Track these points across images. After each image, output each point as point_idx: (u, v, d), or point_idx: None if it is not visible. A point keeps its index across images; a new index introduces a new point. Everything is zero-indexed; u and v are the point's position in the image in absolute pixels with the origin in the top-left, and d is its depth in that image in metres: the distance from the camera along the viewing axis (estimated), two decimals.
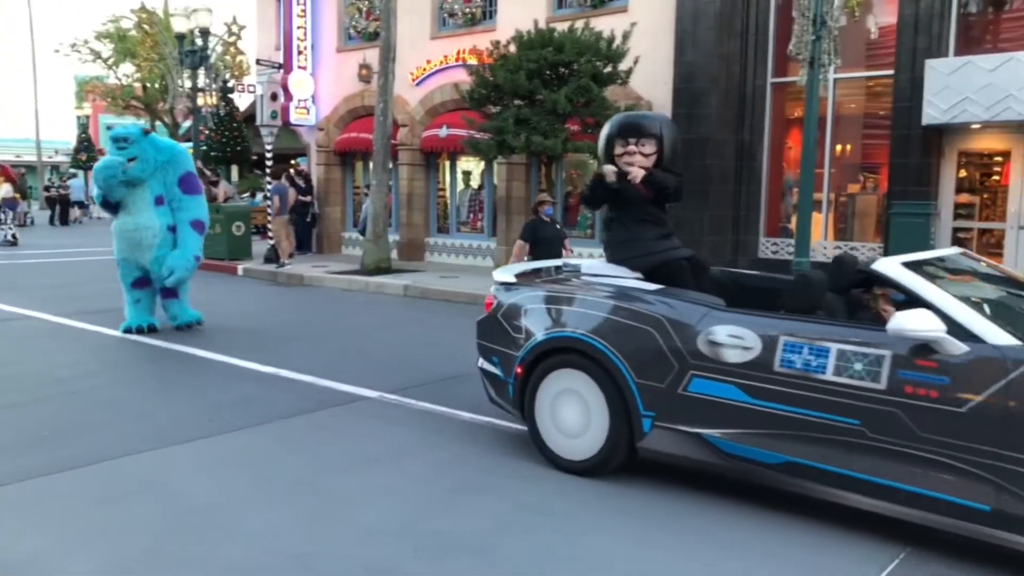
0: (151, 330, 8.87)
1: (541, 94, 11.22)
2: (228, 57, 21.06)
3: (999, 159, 11.36)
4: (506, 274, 5.38)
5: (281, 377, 7.04)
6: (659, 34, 12.89)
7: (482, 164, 15.81)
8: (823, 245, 12.33)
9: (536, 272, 5.68)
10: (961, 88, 10.41)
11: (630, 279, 4.92)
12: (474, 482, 4.61)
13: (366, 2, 17.57)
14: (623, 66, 11.58)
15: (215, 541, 3.83)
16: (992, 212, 11.41)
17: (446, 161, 16.85)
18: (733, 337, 4.13)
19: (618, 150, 5.14)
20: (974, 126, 10.92)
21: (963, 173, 11.58)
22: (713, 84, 12.50)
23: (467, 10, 15.75)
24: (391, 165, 15.51)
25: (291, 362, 7.50)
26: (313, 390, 6.62)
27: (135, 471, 4.73)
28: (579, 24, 11.80)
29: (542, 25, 11.99)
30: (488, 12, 15.64)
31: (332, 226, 18.54)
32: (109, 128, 8.65)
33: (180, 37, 18.12)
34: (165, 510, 4.17)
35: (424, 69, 16.25)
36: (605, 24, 12.09)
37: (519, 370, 4.91)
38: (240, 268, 15.15)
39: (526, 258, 8.71)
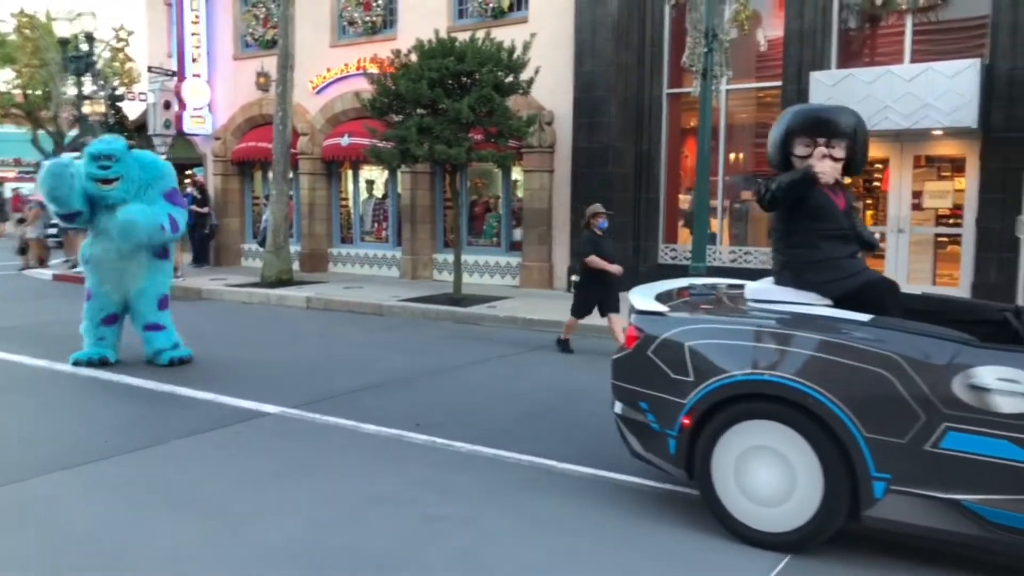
0: (103, 363, 7.80)
1: (444, 103, 11.22)
2: (116, 63, 20.19)
3: (879, 166, 12.00)
4: (646, 299, 4.40)
5: (177, 395, 6.79)
6: (559, 45, 13.10)
7: (385, 173, 15.68)
8: (718, 250, 12.74)
9: (672, 295, 4.72)
10: (843, 99, 10.92)
11: (819, 306, 4.04)
12: (387, 494, 4.55)
13: (263, 9, 17.20)
14: (524, 76, 11.70)
15: (99, 573, 3.64)
16: (875, 217, 12.04)
17: (348, 170, 16.64)
18: (1005, 381, 3.37)
19: (800, 150, 4.19)
20: None
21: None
22: (612, 94, 12.77)
23: (367, 19, 15.62)
24: (291, 174, 15.22)
25: (188, 379, 7.25)
26: (212, 408, 6.41)
27: (14, 501, 4.47)
28: (480, 34, 11.86)
29: (443, 35, 11.99)
30: (388, 21, 15.55)
31: (230, 238, 18.01)
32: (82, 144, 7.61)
33: (63, 42, 17.31)
34: (45, 543, 3.94)
35: (324, 77, 16.03)
36: (506, 34, 12.20)
37: (687, 421, 4.00)
38: None
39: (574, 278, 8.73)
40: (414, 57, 11.67)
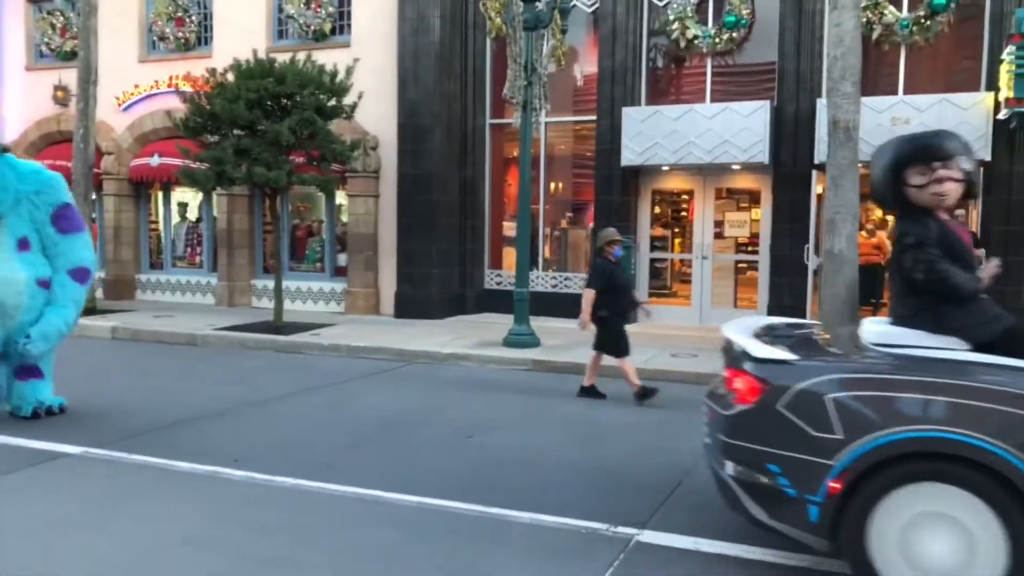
0: None
1: (263, 125, 10.91)
2: None
3: (685, 197, 12.86)
4: (761, 345, 3.88)
5: None
6: (383, 71, 13.09)
7: (200, 195, 14.96)
8: (540, 276, 13.14)
9: (774, 338, 4.29)
10: (652, 134, 11.69)
11: (960, 351, 3.65)
12: (198, 534, 4.31)
13: (60, 18, 16.00)
14: (348, 100, 11.59)
15: None
16: (682, 244, 12.88)
17: (159, 192, 15.74)
18: None
19: (916, 179, 3.83)
20: (664, 168, 12.28)
21: (657, 209, 12.95)
22: (436, 121, 12.92)
23: (180, 34, 14.92)
24: (94, 196, 14.20)
25: None
26: (4, 450, 5.82)
27: None
28: (300, 56, 11.65)
29: (262, 55, 11.67)
30: (203, 38, 14.93)
31: None
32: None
33: None
34: None
35: (132, 94, 15.12)
36: (327, 58, 12.05)
37: (836, 485, 3.47)
38: None
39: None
40: (231, 76, 11.28)
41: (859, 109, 8.94)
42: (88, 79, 13.00)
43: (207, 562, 3.97)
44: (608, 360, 7.91)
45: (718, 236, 12.37)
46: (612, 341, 7.77)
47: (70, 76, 14.74)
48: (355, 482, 5.17)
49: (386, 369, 9.48)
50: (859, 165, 9.11)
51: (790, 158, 11.46)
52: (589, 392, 7.98)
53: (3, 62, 16.39)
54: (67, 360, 9.91)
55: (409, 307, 12.97)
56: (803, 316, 11.30)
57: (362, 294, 13.66)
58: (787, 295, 11.51)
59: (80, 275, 6.82)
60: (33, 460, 5.60)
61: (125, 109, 15.19)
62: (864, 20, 10.17)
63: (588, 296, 7.69)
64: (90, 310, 12.90)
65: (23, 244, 6.57)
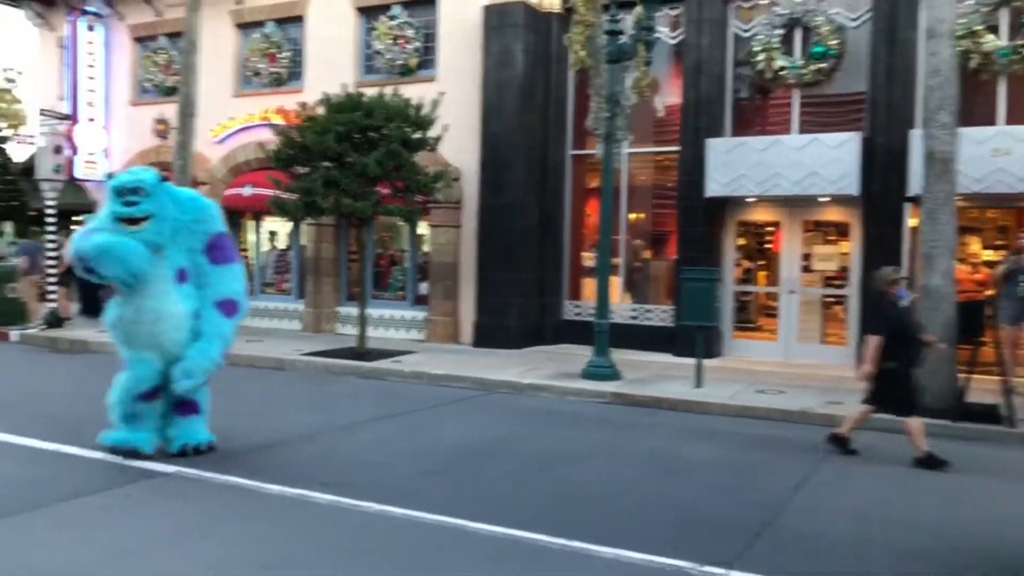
0: (133, 455, 6.21)
1: (351, 157, 11.19)
2: (3, 104, 19.33)
3: (771, 229, 12.60)
4: None
5: (63, 454, 6.40)
6: (466, 103, 13.30)
7: (289, 224, 15.42)
8: (621, 308, 13.03)
9: None
10: (737, 165, 11.52)
11: None
12: (287, 557, 4.38)
13: (164, 56, 16.85)
14: (432, 133, 11.81)
15: None
16: (767, 277, 12.60)
17: (251, 221, 16.29)
18: None
19: None
20: (749, 199, 12.07)
21: (742, 241, 12.73)
22: (517, 153, 13.03)
23: (272, 70, 15.51)
24: None
25: (74, 437, 6.83)
26: (102, 467, 6.07)
27: None
28: (388, 90, 11.94)
29: (351, 89, 12.01)
30: (295, 74, 15.47)
31: None
32: (110, 176, 6.30)
33: None
34: None
35: (226, 127, 15.75)
36: (413, 92, 12.33)
37: None
38: (14, 334, 13.72)
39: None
40: (321, 110, 11.63)
41: (956, 140, 8.66)
42: (187, 113, 13.60)
43: None
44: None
45: (805, 269, 12.06)
46: (901, 396, 6.87)
47: (170, 110, 15.48)
48: (439, 510, 5.18)
49: (466, 397, 9.52)
50: (956, 198, 8.80)
51: (881, 190, 11.12)
52: (839, 442, 7.12)
53: (110, 97, 17.32)
54: None
55: (488, 336, 13.03)
56: None
57: (442, 323, 13.80)
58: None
59: (228, 308, 6.41)
60: (129, 478, 5.81)
61: (220, 141, 15.83)
62: (961, 49, 9.85)
63: (873, 344, 6.79)
64: None
65: (181, 275, 6.30)
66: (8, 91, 19.04)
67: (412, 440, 7.35)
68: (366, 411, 8.56)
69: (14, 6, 18.70)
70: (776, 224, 12.41)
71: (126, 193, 6.04)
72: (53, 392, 9.51)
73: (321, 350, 12.11)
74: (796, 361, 11.78)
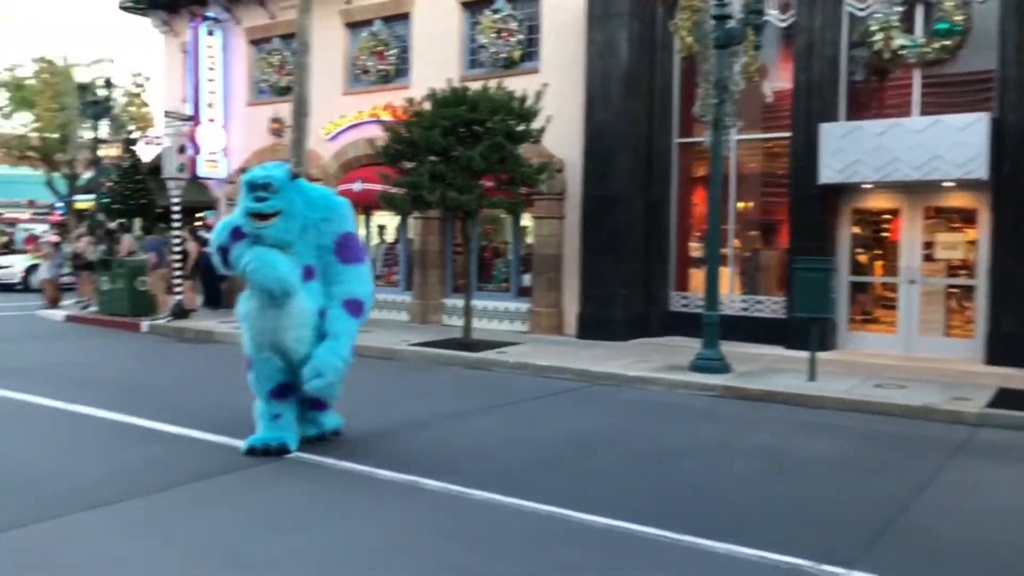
0: (281, 452, 6.19)
1: (456, 151, 11.34)
2: (133, 108, 20.54)
3: (888, 217, 12.05)
4: None
5: (192, 438, 6.77)
6: (569, 94, 13.26)
7: (397, 218, 15.79)
8: (730, 299, 12.74)
9: None
10: (853, 150, 11.05)
11: None
12: (400, 542, 4.50)
13: (278, 57, 17.51)
14: (536, 125, 11.83)
15: None
16: (884, 267, 12.05)
17: (360, 215, 16.72)
18: None
19: None
20: (865, 186, 11.57)
21: (857, 230, 12.22)
22: (622, 142, 12.90)
23: (380, 68, 15.88)
24: None
25: (202, 422, 7.21)
26: (228, 451, 6.37)
27: (32, 542, 4.43)
28: (492, 83, 12.03)
29: (456, 83, 12.17)
30: (402, 70, 15.80)
31: (242, 281, 18.06)
32: (244, 171, 6.50)
33: (82, 87, 17.61)
34: None
35: (337, 124, 16.24)
36: (517, 84, 12.37)
37: None
38: (144, 324, 14.58)
39: None
40: (427, 105, 11.83)
41: None
42: (301, 112, 14.09)
43: (411, 571, 4.13)
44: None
45: (927, 258, 11.47)
46: None
47: (284, 109, 16.09)
48: (547, 500, 5.21)
49: (570, 389, 9.52)
50: None
51: (1013, 173, 10.44)
52: None
53: (228, 98, 18.15)
54: None
55: (592, 328, 12.98)
56: None
57: (545, 314, 13.84)
58: (1010, 323, 10.46)
59: (354, 307, 6.28)
60: (250, 462, 6.08)
61: (331, 138, 16.34)
62: None
63: None
64: None
65: (308, 273, 6.20)
66: (138, 95, 20.21)
67: (519, 430, 7.41)
68: (473, 401, 8.68)
69: (142, 15, 19.83)
70: (895, 211, 11.84)
71: (257, 188, 5.99)
72: (181, 380, 10.07)
73: (428, 340, 12.36)
74: (917, 354, 11.23)
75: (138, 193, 18.41)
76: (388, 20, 15.90)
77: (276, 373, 6.25)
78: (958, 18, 10.86)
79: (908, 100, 11.46)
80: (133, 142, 19.79)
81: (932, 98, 11.28)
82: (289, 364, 6.23)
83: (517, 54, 14.28)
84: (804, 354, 9.71)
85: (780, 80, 12.55)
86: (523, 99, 11.72)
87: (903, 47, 11.15)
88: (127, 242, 16.93)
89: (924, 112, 11.18)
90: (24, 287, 22.52)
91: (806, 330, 9.67)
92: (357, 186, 15.33)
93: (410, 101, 12.22)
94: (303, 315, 6.09)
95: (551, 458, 6.40)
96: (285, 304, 6.07)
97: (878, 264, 12.14)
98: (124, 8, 19.77)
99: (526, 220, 14.40)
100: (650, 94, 13.29)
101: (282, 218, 5.98)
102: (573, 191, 13.60)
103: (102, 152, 18.02)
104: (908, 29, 11.22)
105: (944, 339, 11.35)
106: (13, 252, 28.26)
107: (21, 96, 31.09)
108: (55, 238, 21.56)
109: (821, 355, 9.94)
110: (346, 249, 6.34)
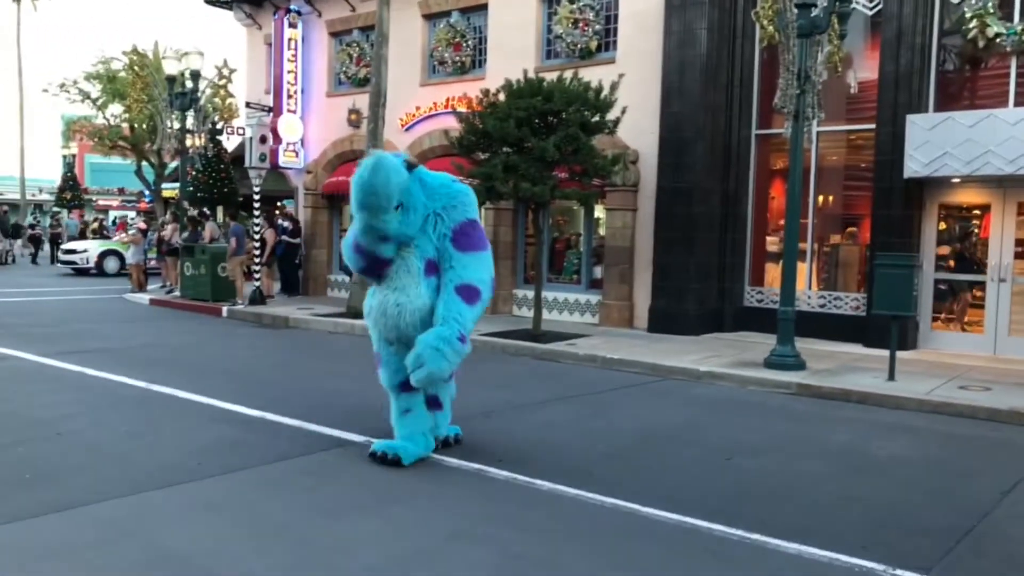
0: (396, 462, 5.74)
1: (530, 142, 11.34)
2: (218, 99, 21.15)
3: (978, 212, 11.56)
4: None
5: (267, 421, 6.96)
6: (646, 85, 13.12)
7: None
8: (807, 295, 12.43)
9: None
10: (941, 143, 10.64)
11: None
12: (468, 530, 4.55)
13: (357, 49, 17.80)
14: (611, 116, 11.73)
15: None
16: (973, 265, 11.56)
17: None
18: None
19: None
20: (954, 180, 11.13)
21: (943, 225, 11.76)
22: (699, 134, 12.70)
23: (457, 59, 15.98)
24: None
25: (277, 405, 7.42)
26: (300, 434, 6.55)
27: (113, 517, 4.63)
28: (567, 74, 11.98)
29: (531, 75, 12.16)
30: (477, 61, 15.87)
31: (318, 268, 18.51)
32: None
33: (170, 79, 18.22)
34: (142, 558, 4.08)
35: (413, 115, 16.42)
36: (593, 74, 12.29)
37: None
38: (224, 309, 15.06)
39: None
40: (502, 96, 11.85)
41: None
42: (378, 103, 14.31)
43: (480, 560, 4.17)
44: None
45: (1019, 256, 10.96)
46: None
47: (362, 100, 16.36)
48: (614, 493, 5.19)
49: (640, 383, 9.44)
50: None
51: None
52: None
53: (308, 90, 18.55)
54: (352, 356, 10.94)
55: (663, 322, 12.84)
56: None
57: (616, 307, 13.75)
58: None
59: (467, 293, 5.72)
60: (324, 445, 6.24)
61: (407, 129, 16.54)
62: None
63: None
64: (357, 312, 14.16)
65: (430, 267, 5.79)
66: (223, 87, 20.79)
67: (586, 422, 7.39)
68: (541, 391, 8.70)
69: (227, 8, 20.40)
70: (985, 207, 11.36)
71: None
72: (257, 364, 10.36)
73: (498, 331, 12.41)
74: (1005, 356, 10.78)
75: (221, 182, 18.98)
76: (465, 11, 15.99)
77: (402, 368, 5.76)
78: None
79: (1004, 90, 10.98)
80: (217, 132, 20.40)
81: None
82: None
83: (593, 44, 14.19)
84: (883, 353, 9.41)
85: (865, 70, 12.16)
86: (599, 90, 11.64)
87: (999, 35, 10.66)
88: (210, 229, 17.49)
89: (1019, 103, 10.68)
90: (98, 271, 23.48)
91: (886, 328, 9.36)
92: None
93: (485, 92, 12.26)
94: (423, 312, 5.67)
95: (618, 451, 6.37)
96: (404, 299, 5.66)
97: (966, 261, 11.66)
98: (210, 2, 20.40)
99: (599, 212, 14.32)
100: (729, 85, 13.05)
101: (402, 212, 5.56)
102: (647, 183, 13.46)
103: (188, 142, 18.60)
104: (1005, 16, 10.72)
105: None
106: (103, 237, 29.53)
107: (113, 88, 32.46)
108: (143, 224, 22.42)
109: (901, 354, 9.62)
110: (464, 236, 5.87)
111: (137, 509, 4.76)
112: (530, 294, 13.60)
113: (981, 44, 10.85)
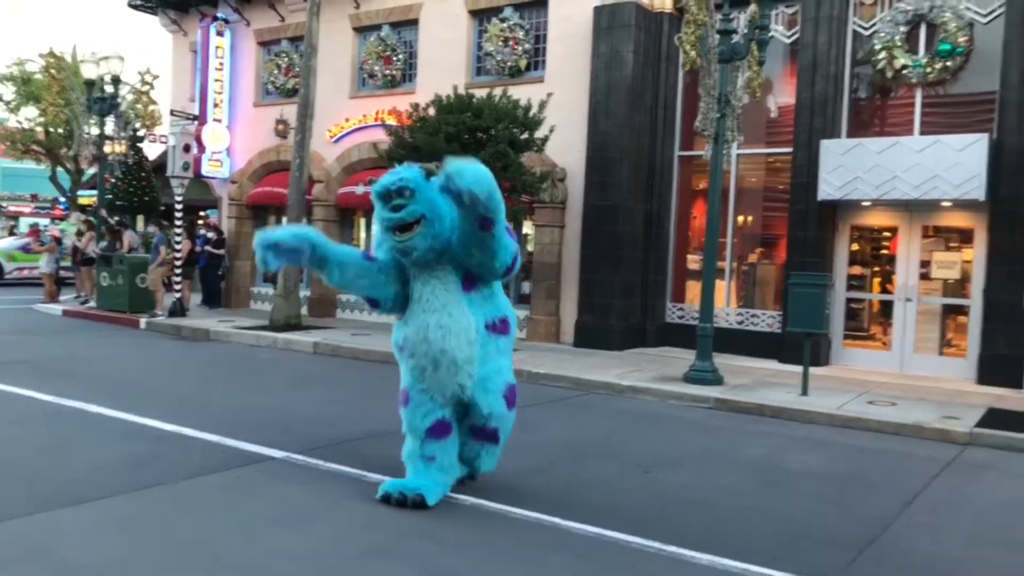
0: (417, 504, 5.12)
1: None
2: (140, 106, 20.61)
3: (887, 234, 12.10)
4: None
5: (184, 436, 6.80)
6: (574, 104, 13.34)
7: None
8: (726, 312, 12.79)
9: None
10: (853, 167, 11.12)
11: None
12: (387, 545, 4.54)
13: (285, 59, 17.59)
14: (539, 134, 11.90)
15: None
16: (882, 284, 12.09)
17: (362, 218, 16.82)
18: None
19: None
20: (865, 203, 11.63)
21: (855, 246, 12.27)
22: (624, 154, 12.97)
23: (387, 72, 15.95)
24: (305, 220, 15.38)
25: (194, 420, 7.25)
26: (217, 449, 6.42)
27: (19, 535, 4.47)
28: (497, 91, 12.11)
29: (461, 91, 12.25)
30: (408, 75, 15.89)
31: (241, 280, 18.15)
32: (371, 182, 5.51)
33: (89, 84, 17.69)
34: None
35: (342, 127, 16.32)
36: (522, 93, 12.46)
37: None
38: (142, 321, 14.64)
39: None
40: (432, 111, 11.90)
41: None
42: (306, 114, 14.18)
43: (398, 573, 4.16)
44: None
45: (924, 277, 11.52)
46: None
47: (290, 111, 16.18)
48: (535, 506, 5.24)
49: (564, 397, 9.55)
50: None
51: (1011, 195, 10.50)
52: None
53: (235, 99, 18.24)
54: (274, 370, 10.79)
55: (589, 337, 13.03)
56: (1020, 368, 10.29)
57: (543, 322, 13.88)
58: (1002, 344, 10.51)
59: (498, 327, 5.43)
60: (243, 461, 6.12)
61: (335, 141, 16.42)
62: None
63: None
64: (295, 325, 13.99)
65: (468, 282, 5.27)
66: (145, 93, 20.28)
67: (512, 438, 7.42)
68: None
69: (151, 13, 19.93)
70: (893, 229, 11.90)
71: (391, 197, 5.01)
72: (175, 377, 10.10)
73: None
74: (910, 372, 11.28)
75: (142, 190, 18.50)
76: (396, 26, 15.99)
77: (436, 408, 5.24)
78: (961, 39, 10.94)
79: (909, 119, 11.55)
80: (139, 139, 19.89)
81: (932, 118, 11.37)
82: (451, 394, 5.22)
83: (523, 63, 14.36)
84: (798, 368, 9.76)
85: (783, 96, 12.64)
86: (527, 108, 11.80)
87: (906, 66, 11.23)
88: (129, 238, 16.98)
89: (924, 132, 11.26)
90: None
91: (800, 345, 9.71)
92: (360, 189, 15.40)
93: (415, 106, 12.30)
94: (469, 332, 5.15)
95: (540, 465, 6.43)
96: (445, 320, 5.11)
97: (875, 281, 12.18)
98: (133, 6, 19.88)
99: (527, 228, 14.46)
100: (654, 107, 13.38)
101: (426, 224, 4.98)
102: (574, 200, 13.67)
103: (107, 148, 18.07)
104: (911, 49, 11.29)
105: (938, 358, 11.40)
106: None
107: (28, 90, 31.31)
108: (56, 232, 21.63)
109: (814, 370, 9.99)
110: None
111: (44, 527, 4.60)
112: None
113: (889, 75, 11.41)
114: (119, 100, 17.75)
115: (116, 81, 17.44)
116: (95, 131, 18.14)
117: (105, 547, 4.35)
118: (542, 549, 4.59)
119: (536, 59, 14.38)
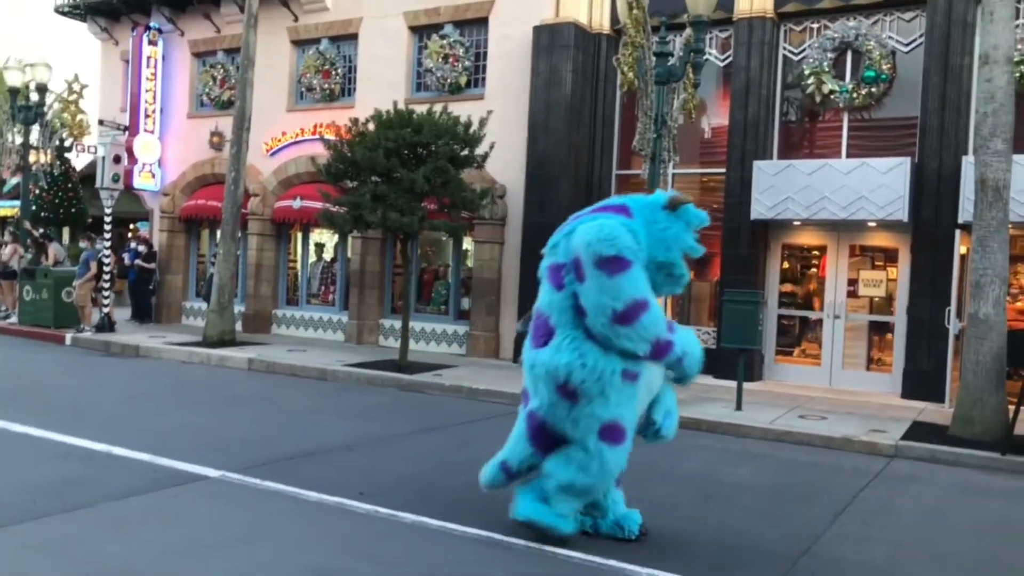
0: (556, 539, 4.86)
1: (399, 172, 11.38)
2: (67, 115, 19.94)
3: (817, 253, 12.48)
4: None
5: (113, 455, 6.60)
6: (514, 122, 13.45)
7: (336, 237, 15.71)
8: None
9: None
10: (784, 188, 11.46)
11: None
12: (324, 565, 4.47)
13: (221, 71, 17.30)
14: (479, 150, 11.96)
15: None
16: (810, 302, 12.45)
17: (298, 232, 16.61)
18: None
19: None
20: (795, 223, 11.98)
21: (786, 265, 12.62)
22: (563, 172, 13.11)
23: (326, 86, 15.83)
24: (240, 234, 15.13)
25: (125, 439, 7.04)
26: (149, 469, 6.24)
27: None
28: (437, 107, 12.13)
29: (401, 106, 12.24)
30: (347, 90, 15.79)
31: (173, 295, 17.70)
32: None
33: (13, 91, 17.11)
34: None
35: (279, 140, 16.11)
36: (462, 109, 12.50)
37: None
38: (68, 337, 14.15)
39: None
40: (371, 126, 11.85)
41: (1011, 167, 8.53)
42: (242, 126, 13.97)
43: None
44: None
45: (851, 295, 11.92)
46: None
47: (225, 123, 15.91)
48: (474, 523, 5.25)
49: (503, 413, 9.53)
50: (1009, 226, 8.66)
51: (932, 217, 10.97)
52: None
53: (168, 110, 17.84)
54: (208, 388, 10.55)
55: None
56: (942, 383, 10.70)
57: (483, 337, 13.89)
58: (925, 360, 10.93)
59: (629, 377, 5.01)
60: (176, 480, 5.97)
61: (272, 154, 16.19)
62: (1018, 75, 9.69)
63: None
64: (229, 341, 13.70)
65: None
66: (73, 102, 19.63)
67: (450, 454, 7.42)
68: (406, 423, 8.66)
69: (79, 20, 19.38)
70: (822, 248, 12.29)
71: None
72: (105, 394, 9.79)
73: (363, 361, 12.28)
74: (839, 387, 11.62)
75: (68, 201, 17.92)
76: (335, 40, 15.90)
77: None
78: (885, 67, 11.41)
79: (838, 142, 11.96)
80: (66, 149, 19.27)
81: (859, 141, 11.80)
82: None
83: (463, 80, 14.43)
84: (732, 384, 9.97)
85: (717, 117, 12.96)
86: (468, 124, 11.84)
87: (833, 91, 11.64)
88: (54, 251, 16.41)
89: (851, 155, 11.68)
90: None
91: (734, 360, 9.93)
92: (297, 203, 15.23)
93: (354, 121, 12.22)
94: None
95: (477, 481, 6.41)
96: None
97: (805, 299, 12.55)
98: (60, 12, 19.29)
99: (467, 244, 14.48)
100: (592, 126, 13.57)
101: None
102: (514, 217, 13.74)
103: (32, 158, 17.46)
104: (839, 75, 11.72)
105: (865, 373, 11.78)
106: None
107: None
108: None
109: (748, 385, 10.22)
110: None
111: None
112: (397, 324, 13.54)
113: (818, 99, 11.82)
114: (45, 108, 17.19)
115: (43, 89, 16.91)
116: (19, 140, 17.53)
117: (29, 574, 4.19)
118: (483, 564, 4.58)
119: (476, 76, 14.45)
